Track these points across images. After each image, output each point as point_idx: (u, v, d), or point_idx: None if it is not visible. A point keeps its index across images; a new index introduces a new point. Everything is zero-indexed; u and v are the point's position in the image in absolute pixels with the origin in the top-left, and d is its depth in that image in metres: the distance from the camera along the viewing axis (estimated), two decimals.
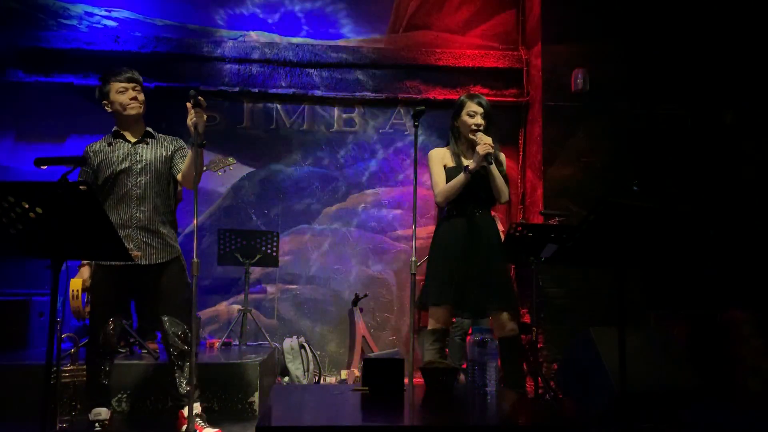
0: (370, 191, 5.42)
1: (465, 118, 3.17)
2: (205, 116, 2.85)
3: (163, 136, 3.13)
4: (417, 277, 3.02)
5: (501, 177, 3.13)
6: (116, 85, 2.98)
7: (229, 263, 4.71)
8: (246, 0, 5.46)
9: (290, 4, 5.49)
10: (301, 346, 4.68)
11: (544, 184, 4.93)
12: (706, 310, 4.54)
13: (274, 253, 4.78)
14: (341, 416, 1.91)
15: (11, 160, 5.08)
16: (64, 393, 3.18)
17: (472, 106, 3.16)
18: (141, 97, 3.01)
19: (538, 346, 4.45)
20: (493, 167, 3.09)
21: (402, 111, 5.47)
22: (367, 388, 2.21)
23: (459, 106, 3.20)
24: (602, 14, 5.05)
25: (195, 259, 2.55)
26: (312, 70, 5.41)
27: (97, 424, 2.88)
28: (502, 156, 3.23)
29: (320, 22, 5.50)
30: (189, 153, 2.95)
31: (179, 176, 3.02)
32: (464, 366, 4.06)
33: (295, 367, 4.57)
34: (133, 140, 3.03)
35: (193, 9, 5.39)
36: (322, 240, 5.31)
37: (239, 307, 4.72)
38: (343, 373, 4.93)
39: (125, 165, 2.97)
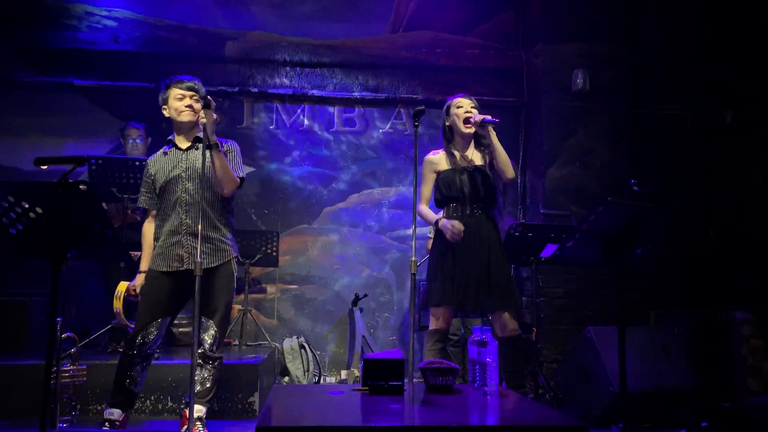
0: (370, 191, 5.42)
1: (454, 111, 3.22)
2: (214, 116, 2.86)
3: (220, 141, 3.08)
4: (417, 278, 3.03)
5: (503, 150, 3.15)
6: (175, 91, 3.00)
7: None
8: (246, 0, 5.46)
9: (290, 4, 5.48)
10: (301, 346, 4.68)
11: (544, 184, 4.93)
12: (706, 310, 4.54)
13: (274, 253, 4.78)
14: (341, 416, 1.91)
15: (11, 160, 5.07)
16: (64, 393, 3.17)
17: (458, 101, 3.26)
18: (197, 106, 2.99)
19: (538, 346, 4.44)
20: (497, 142, 3.12)
21: (402, 111, 5.47)
22: (367, 388, 2.21)
23: (446, 108, 3.30)
24: (602, 14, 5.05)
25: (197, 260, 2.56)
26: (312, 70, 5.41)
27: (107, 423, 2.88)
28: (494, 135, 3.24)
29: (320, 21, 5.50)
30: (218, 156, 2.90)
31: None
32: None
33: (295, 367, 4.57)
34: (185, 147, 3.04)
35: (193, 9, 5.38)
36: (322, 240, 5.31)
37: (239, 307, 4.72)
38: (343, 373, 4.93)
39: (175, 172, 2.98)
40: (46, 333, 2.12)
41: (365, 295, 4.99)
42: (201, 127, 2.78)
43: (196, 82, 3.06)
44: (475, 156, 3.26)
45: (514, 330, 3.12)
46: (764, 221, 5.00)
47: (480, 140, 3.28)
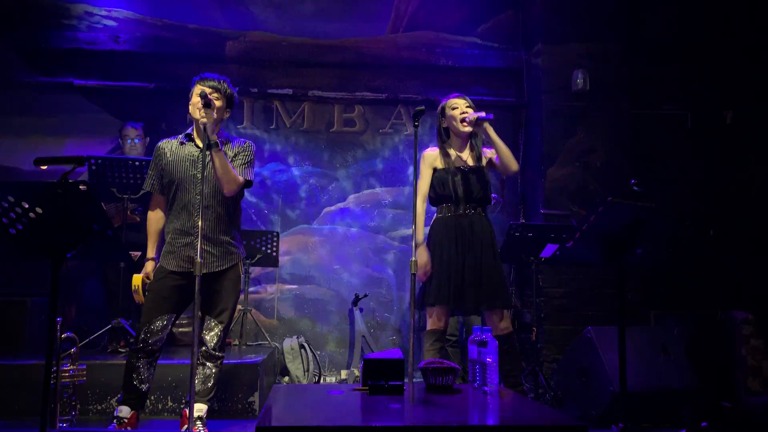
0: (370, 191, 5.42)
1: (450, 113, 3.23)
2: (215, 116, 2.85)
3: (237, 141, 3.07)
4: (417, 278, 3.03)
5: (504, 144, 3.16)
6: (198, 88, 2.96)
7: None
8: (246, 0, 5.45)
9: (290, 4, 5.48)
10: (301, 346, 4.68)
11: (544, 184, 4.93)
12: (706, 310, 4.54)
13: (274, 253, 4.78)
14: (341, 416, 1.91)
15: (11, 160, 5.07)
16: (64, 393, 3.17)
17: (453, 101, 3.27)
18: (218, 103, 2.96)
19: (538, 346, 4.44)
20: (496, 137, 3.12)
21: (402, 111, 5.47)
22: (367, 388, 2.21)
23: (441, 110, 3.31)
24: (602, 14, 5.05)
25: (197, 260, 2.56)
26: (312, 70, 5.41)
27: (115, 421, 2.88)
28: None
29: (320, 21, 5.49)
30: (219, 155, 2.87)
31: None
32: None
33: (295, 367, 4.57)
34: (202, 145, 3.02)
35: (193, 9, 5.38)
36: (322, 240, 5.31)
37: (239, 307, 4.71)
38: (343, 373, 4.93)
39: (191, 173, 2.96)
40: (46, 333, 2.12)
41: (365, 295, 4.99)
42: (201, 127, 2.78)
43: (222, 81, 3.03)
44: (469, 156, 3.27)
45: (507, 328, 3.14)
46: (764, 221, 5.00)
47: (474, 140, 3.29)
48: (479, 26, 5.59)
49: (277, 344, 4.71)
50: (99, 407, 3.45)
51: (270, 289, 5.21)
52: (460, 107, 3.23)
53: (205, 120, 2.78)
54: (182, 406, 3.40)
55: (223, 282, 2.98)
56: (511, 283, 5.09)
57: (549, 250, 3.98)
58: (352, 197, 5.39)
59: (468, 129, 3.21)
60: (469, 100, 3.27)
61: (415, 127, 3.01)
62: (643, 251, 2.46)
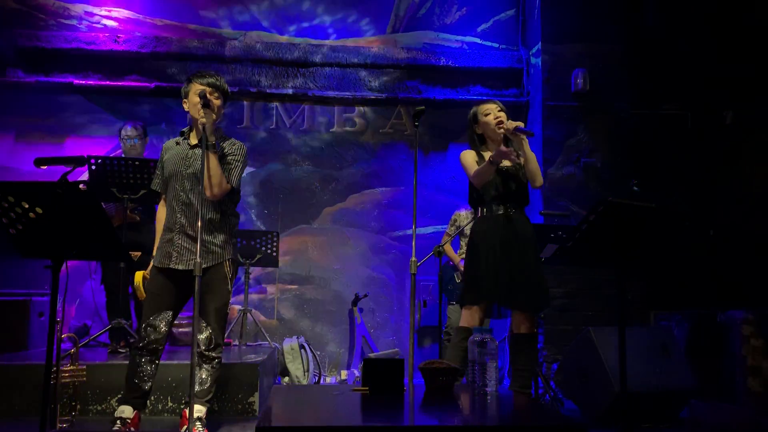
0: (370, 191, 5.42)
1: (483, 120, 3.19)
2: (214, 116, 2.84)
3: (229, 141, 3.05)
4: (419, 277, 3.02)
5: (535, 159, 3.15)
6: (195, 86, 2.94)
7: None
8: (246, 0, 5.46)
9: (290, 5, 5.48)
10: (301, 346, 4.68)
11: (544, 184, 4.93)
12: (706, 310, 4.54)
13: (274, 253, 4.78)
14: (341, 416, 1.91)
15: (11, 160, 5.07)
16: (64, 393, 3.17)
17: (485, 107, 3.21)
18: (217, 102, 2.95)
19: (538, 346, 4.44)
20: (529, 150, 3.11)
21: (402, 111, 5.47)
22: (367, 388, 2.21)
23: (472, 116, 3.24)
24: (602, 14, 5.05)
25: (198, 260, 2.56)
26: (312, 70, 5.41)
27: (118, 422, 2.88)
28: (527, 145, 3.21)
29: (320, 22, 5.50)
30: (212, 158, 2.87)
31: None
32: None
33: (295, 367, 4.57)
34: (193, 143, 3.00)
35: (193, 9, 5.39)
36: (322, 240, 5.31)
37: (239, 307, 4.72)
38: (343, 373, 4.93)
39: (178, 168, 2.96)
40: (46, 333, 2.12)
41: (365, 295, 4.99)
42: (200, 127, 2.78)
43: (219, 77, 3.02)
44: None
45: (533, 327, 3.14)
46: (764, 221, 5.00)
47: (511, 143, 3.28)
48: (479, 26, 5.59)
49: (277, 344, 4.70)
50: (99, 407, 3.45)
51: (270, 289, 5.21)
52: (492, 112, 3.20)
53: (204, 120, 2.78)
54: (182, 407, 3.40)
55: (206, 281, 2.91)
56: None
57: (549, 250, 3.97)
58: (351, 197, 5.39)
59: (502, 131, 3.19)
60: (501, 104, 3.24)
61: (415, 127, 3.02)
62: (643, 251, 2.45)
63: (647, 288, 4.77)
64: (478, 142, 3.27)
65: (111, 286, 4.21)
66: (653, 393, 3.44)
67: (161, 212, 3.10)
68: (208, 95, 2.85)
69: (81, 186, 1.97)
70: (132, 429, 2.88)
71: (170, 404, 3.51)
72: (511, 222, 3.14)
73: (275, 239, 4.79)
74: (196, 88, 2.93)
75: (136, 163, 4.01)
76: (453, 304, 4.54)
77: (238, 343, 4.66)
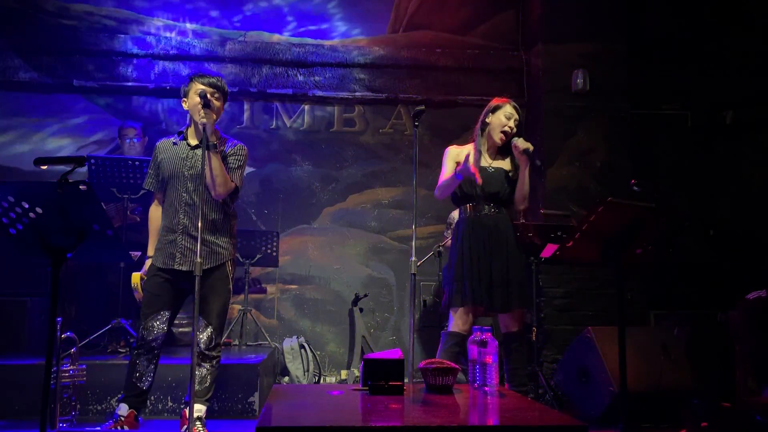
0: (370, 191, 5.41)
1: (501, 117, 3.20)
2: (214, 116, 2.84)
3: (231, 142, 3.06)
4: (419, 278, 3.02)
5: (528, 184, 3.16)
6: (196, 86, 2.95)
7: None
8: (246, 1, 5.46)
9: (290, 5, 5.48)
10: (301, 346, 4.68)
11: (544, 184, 4.93)
12: (706, 310, 4.54)
13: (274, 253, 4.78)
14: (341, 416, 1.91)
15: (11, 160, 5.07)
16: (64, 393, 3.18)
17: (509, 109, 3.24)
18: (217, 103, 2.97)
19: (538, 346, 4.44)
20: (526, 173, 3.12)
21: (402, 111, 5.47)
22: (367, 388, 2.21)
23: (496, 107, 3.25)
24: (602, 14, 5.05)
25: (197, 259, 2.56)
26: (312, 70, 5.41)
27: (113, 420, 2.89)
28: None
29: (320, 22, 5.50)
30: (215, 158, 2.88)
31: None
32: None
33: (295, 367, 4.57)
34: (193, 144, 3.01)
35: (192, 9, 5.39)
36: (322, 240, 5.31)
37: (239, 307, 4.72)
38: (343, 373, 4.93)
39: (179, 170, 2.97)
40: (46, 333, 2.12)
41: (365, 295, 4.99)
42: (201, 127, 2.78)
43: (220, 78, 3.03)
44: (498, 158, 3.27)
45: (520, 327, 3.15)
46: (764, 221, 5.00)
47: (505, 151, 3.29)
48: (479, 26, 5.59)
49: (277, 344, 4.70)
50: (99, 407, 3.45)
51: (270, 289, 5.21)
52: (510, 122, 3.22)
53: (204, 120, 2.79)
54: (182, 407, 3.40)
55: (209, 281, 2.94)
56: None
57: (549, 250, 3.97)
58: (351, 197, 5.39)
59: (499, 143, 3.21)
60: (519, 114, 3.27)
61: (415, 127, 3.02)
62: (643, 251, 2.46)
63: (647, 288, 4.77)
64: (480, 132, 3.27)
65: (111, 286, 4.21)
66: (653, 393, 3.44)
67: (155, 212, 3.10)
68: (208, 95, 2.85)
69: (81, 186, 1.97)
70: (125, 427, 2.89)
71: (170, 404, 3.51)
72: (492, 222, 3.15)
73: (275, 239, 4.79)
74: (197, 87, 2.94)
75: (136, 163, 4.01)
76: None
77: (238, 343, 4.66)
